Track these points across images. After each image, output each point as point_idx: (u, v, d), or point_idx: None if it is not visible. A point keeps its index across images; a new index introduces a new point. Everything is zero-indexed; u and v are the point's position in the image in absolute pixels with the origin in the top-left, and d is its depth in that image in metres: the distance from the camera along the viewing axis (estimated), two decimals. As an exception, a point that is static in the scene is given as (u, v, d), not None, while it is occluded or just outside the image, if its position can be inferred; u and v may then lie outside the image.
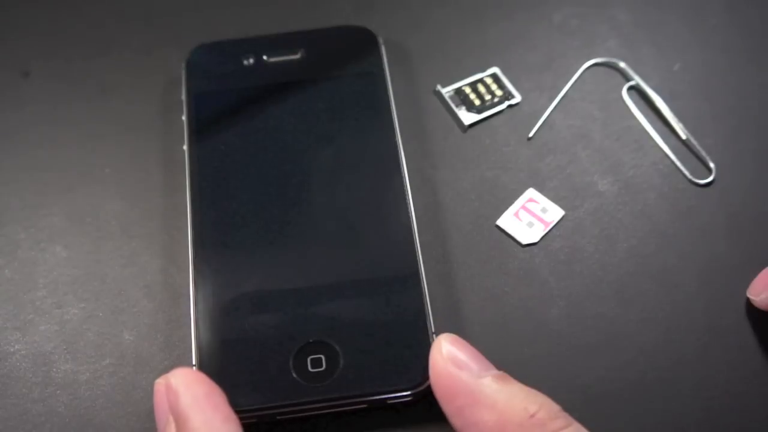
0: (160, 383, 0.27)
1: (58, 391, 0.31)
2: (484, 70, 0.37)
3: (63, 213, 0.35)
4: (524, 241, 0.33)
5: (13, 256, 0.34)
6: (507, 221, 0.34)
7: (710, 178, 0.34)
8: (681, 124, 0.36)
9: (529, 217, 0.34)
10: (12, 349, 0.32)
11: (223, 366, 0.29)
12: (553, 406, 0.26)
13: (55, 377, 0.31)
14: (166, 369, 0.29)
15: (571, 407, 0.26)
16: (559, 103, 0.37)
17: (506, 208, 0.34)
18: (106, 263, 0.33)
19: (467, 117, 0.36)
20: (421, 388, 0.28)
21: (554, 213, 0.34)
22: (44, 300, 0.33)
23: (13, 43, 0.39)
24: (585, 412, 0.26)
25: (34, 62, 0.38)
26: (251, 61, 0.36)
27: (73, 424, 0.30)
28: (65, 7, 0.40)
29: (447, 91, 0.37)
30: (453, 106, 0.36)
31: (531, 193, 0.34)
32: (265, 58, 0.36)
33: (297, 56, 0.36)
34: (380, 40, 0.37)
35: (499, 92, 0.37)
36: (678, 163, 0.35)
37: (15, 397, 0.31)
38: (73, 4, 0.40)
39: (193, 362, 0.30)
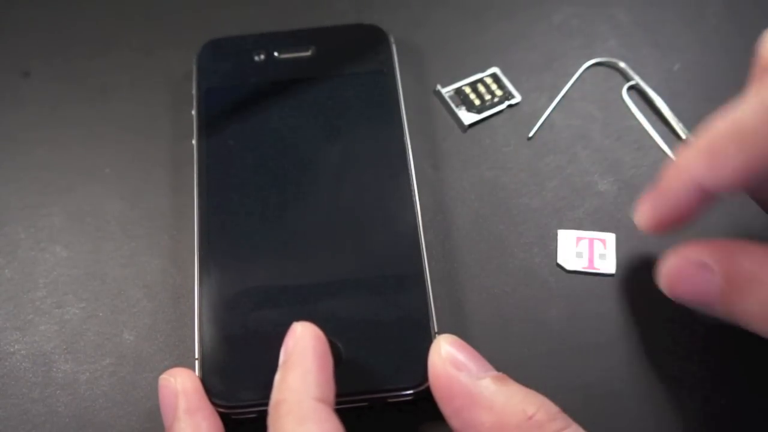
0: (168, 380, 0.28)
1: (58, 391, 0.31)
2: (484, 70, 0.37)
3: (63, 213, 0.35)
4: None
5: (13, 256, 0.34)
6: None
7: (710, 178, 0.34)
8: (681, 124, 0.36)
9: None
10: (12, 349, 0.32)
11: (225, 361, 0.29)
12: (551, 408, 0.26)
13: (55, 377, 0.31)
14: (166, 369, 0.29)
15: (571, 407, 0.26)
16: (559, 103, 0.37)
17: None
18: (106, 263, 0.33)
19: (467, 117, 0.36)
20: (423, 387, 0.28)
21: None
22: (44, 300, 0.33)
23: (13, 43, 0.39)
24: (585, 412, 0.26)
25: (34, 62, 0.38)
26: (262, 57, 0.36)
27: (73, 424, 0.30)
28: (65, 7, 0.40)
29: (447, 91, 0.37)
30: (453, 106, 0.36)
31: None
32: (276, 54, 0.36)
33: (308, 53, 0.36)
34: (391, 39, 0.37)
35: (499, 92, 0.37)
36: (678, 163, 0.35)
37: (15, 397, 0.31)
38: (73, 4, 0.40)
39: (196, 356, 0.30)
